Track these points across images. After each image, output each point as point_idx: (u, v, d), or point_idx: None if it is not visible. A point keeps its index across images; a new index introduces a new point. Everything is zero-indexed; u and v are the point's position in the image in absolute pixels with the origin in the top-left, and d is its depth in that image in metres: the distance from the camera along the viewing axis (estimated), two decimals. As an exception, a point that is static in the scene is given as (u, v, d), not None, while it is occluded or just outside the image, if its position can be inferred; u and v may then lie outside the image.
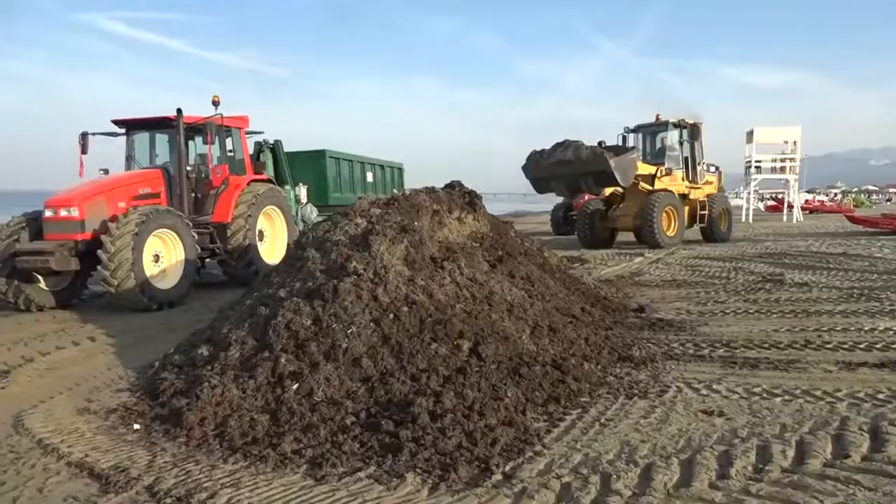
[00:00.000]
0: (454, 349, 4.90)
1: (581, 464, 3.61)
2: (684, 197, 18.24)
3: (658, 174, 17.71)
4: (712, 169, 20.04)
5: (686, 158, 18.49)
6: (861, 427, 4.00)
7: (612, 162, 15.33)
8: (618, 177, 15.61)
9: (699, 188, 18.69)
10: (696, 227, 18.85)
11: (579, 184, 16.56)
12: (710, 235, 18.83)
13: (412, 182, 20.31)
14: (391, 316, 5.11)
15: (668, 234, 17.15)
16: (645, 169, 17.49)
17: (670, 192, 17.62)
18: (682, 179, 18.24)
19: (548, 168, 16.51)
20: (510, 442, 3.87)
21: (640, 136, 19.34)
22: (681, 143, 18.52)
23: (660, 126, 18.88)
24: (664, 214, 17.13)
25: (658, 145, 19.15)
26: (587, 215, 18.45)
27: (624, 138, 18.91)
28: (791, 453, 3.65)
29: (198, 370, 5.12)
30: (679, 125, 18.49)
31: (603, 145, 16.19)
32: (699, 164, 18.73)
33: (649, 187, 17.46)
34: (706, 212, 18.52)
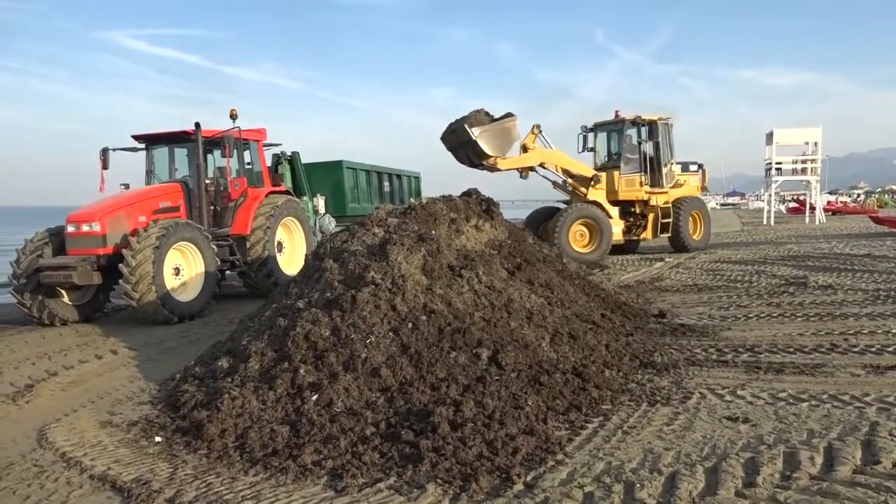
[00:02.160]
0: (473, 358, 4.87)
1: (604, 472, 3.56)
2: (645, 203, 16.44)
3: (593, 181, 15.97)
4: (693, 167, 17.89)
5: (647, 159, 16.50)
6: (891, 432, 3.91)
7: (474, 131, 14.18)
8: (485, 147, 14.32)
9: (664, 192, 16.58)
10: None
11: (466, 155, 15.10)
12: (677, 245, 16.75)
13: (429, 190, 20.31)
14: (410, 325, 5.09)
15: (582, 250, 15.15)
16: (580, 170, 16.09)
17: (594, 202, 15.73)
18: (641, 184, 16.29)
19: (447, 139, 15.26)
20: (531, 451, 3.83)
21: (600, 135, 17.48)
22: (639, 143, 16.43)
23: (616, 124, 16.94)
24: (582, 228, 15.32)
25: (616, 145, 17.26)
26: (535, 226, 16.34)
27: (584, 138, 17.33)
28: (819, 460, 3.57)
29: (218, 382, 5.14)
30: (636, 122, 16.39)
31: (482, 113, 14.77)
32: (666, 165, 16.59)
33: (584, 191, 15.95)
34: (669, 219, 16.38)
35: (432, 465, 3.68)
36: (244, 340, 5.69)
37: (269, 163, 13.59)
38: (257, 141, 12.01)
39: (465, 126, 14.31)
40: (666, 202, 16.56)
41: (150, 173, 11.42)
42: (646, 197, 16.43)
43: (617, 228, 15.95)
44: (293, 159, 15.20)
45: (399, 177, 18.88)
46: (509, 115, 14.94)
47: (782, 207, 46.37)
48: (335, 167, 15.93)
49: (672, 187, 16.81)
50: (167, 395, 5.55)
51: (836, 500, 3.10)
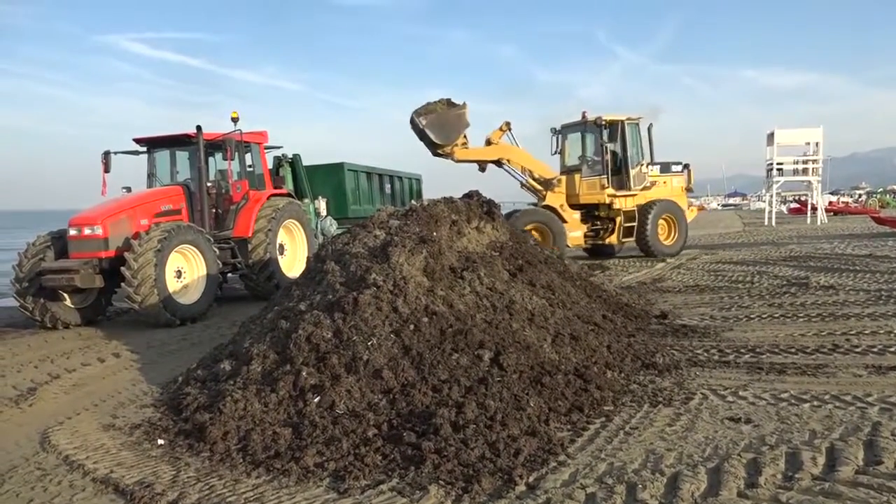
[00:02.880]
0: (475, 359, 4.88)
1: (606, 473, 3.56)
2: (609, 206, 15.87)
3: (553, 184, 15.52)
4: (676, 168, 17.10)
5: (615, 161, 15.99)
6: (894, 432, 3.91)
7: (421, 120, 14.07)
8: (431, 135, 14.11)
9: (632, 195, 15.91)
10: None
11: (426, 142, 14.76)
12: (644, 250, 16.09)
13: (430, 192, 20.31)
14: (411, 327, 5.10)
15: None
16: (542, 172, 15.67)
17: (547, 207, 15.18)
18: (603, 187, 15.66)
19: (412, 128, 14.84)
20: (533, 452, 3.83)
21: (567, 137, 16.94)
22: (601, 145, 15.86)
23: (581, 126, 16.52)
24: (535, 234, 14.15)
25: (580, 147, 16.86)
26: None
27: (555, 140, 16.87)
28: (822, 460, 3.57)
29: (220, 385, 5.14)
30: (597, 124, 15.74)
31: (442, 102, 14.47)
32: (635, 167, 15.97)
33: (545, 193, 15.56)
34: (634, 223, 15.80)
35: (434, 466, 3.68)
36: (246, 343, 5.69)
37: (270, 165, 13.61)
38: (258, 143, 12.03)
39: (413, 115, 14.25)
40: (638, 205, 15.92)
41: (151, 176, 11.44)
42: (608, 200, 15.77)
43: (577, 233, 15.51)
44: (294, 162, 15.22)
45: (400, 179, 18.89)
46: (463, 104, 14.64)
47: (784, 208, 46.32)
48: (336, 169, 15.95)
49: (643, 189, 16.10)
50: (169, 397, 5.55)
51: (838, 500, 3.10)
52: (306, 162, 15.54)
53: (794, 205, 46.88)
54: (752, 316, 7.88)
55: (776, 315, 7.83)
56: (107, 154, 11.02)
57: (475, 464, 3.67)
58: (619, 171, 15.95)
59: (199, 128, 10.57)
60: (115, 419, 5.12)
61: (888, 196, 68.47)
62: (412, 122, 14.44)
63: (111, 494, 3.74)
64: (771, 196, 32.79)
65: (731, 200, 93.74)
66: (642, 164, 16.17)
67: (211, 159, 11.52)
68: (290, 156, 15.21)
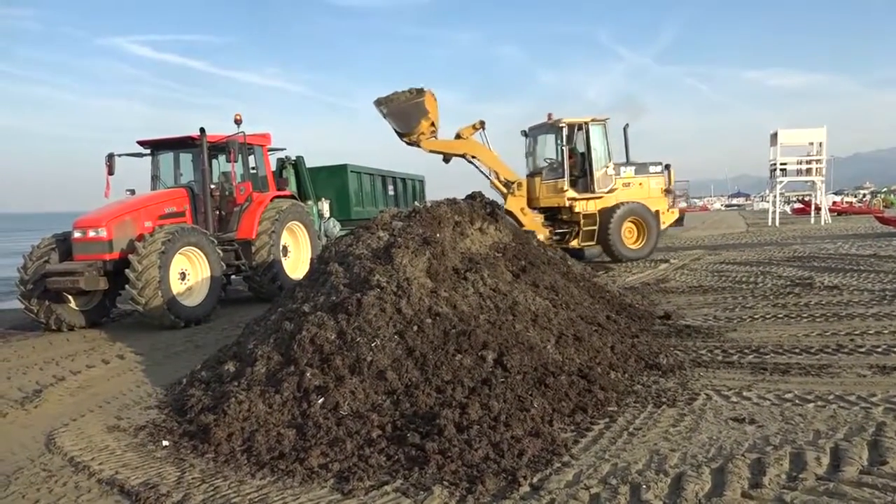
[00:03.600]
0: (479, 360, 4.88)
1: (610, 474, 3.56)
2: (571, 210, 15.57)
3: (513, 187, 15.31)
4: (655, 168, 16.61)
5: (580, 163, 15.72)
6: (898, 432, 3.90)
7: (383, 109, 14.18)
8: (393, 124, 14.32)
9: (596, 197, 15.55)
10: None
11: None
12: (609, 253, 15.71)
13: (433, 194, 20.32)
14: (415, 328, 5.10)
15: None
16: (506, 174, 15.54)
17: (506, 211, 14.29)
18: (562, 190, 15.37)
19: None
20: (537, 453, 3.84)
21: (533, 139, 16.71)
22: (561, 148, 15.62)
23: (543, 128, 16.30)
24: None
25: (544, 150, 16.57)
26: None
27: (528, 142, 16.81)
28: (826, 460, 3.57)
29: (225, 386, 5.16)
30: (558, 126, 15.56)
31: (409, 91, 14.42)
32: (600, 170, 15.57)
33: (505, 194, 15.34)
34: (594, 227, 15.41)
35: (438, 467, 3.68)
36: (250, 344, 5.71)
37: (273, 167, 13.64)
38: (262, 145, 12.05)
39: (375, 103, 14.27)
40: (602, 208, 15.56)
41: (155, 178, 11.48)
42: (568, 203, 15.46)
43: (539, 237, 15.40)
44: (298, 163, 15.24)
45: (403, 180, 18.91)
46: (421, 90, 14.49)
47: (787, 208, 46.24)
48: (340, 171, 15.98)
49: (609, 192, 15.73)
50: (174, 399, 5.57)
51: (842, 500, 3.10)
52: (309, 164, 15.57)
53: (797, 205, 46.81)
54: (755, 316, 7.86)
55: (780, 315, 7.82)
56: (111, 156, 11.05)
57: (479, 464, 3.68)
58: (583, 174, 15.65)
59: (202, 130, 10.60)
60: (119, 421, 5.13)
61: (892, 196, 68.26)
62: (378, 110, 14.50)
63: (116, 495, 3.76)
64: (774, 196, 32.74)
65: (734, 201, 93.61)
66: (608, 166, 15.80)
67: (214, 161, 11.56)
68: (294, 157, 15.23)
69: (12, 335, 9.48)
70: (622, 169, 16.18)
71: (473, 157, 15.52)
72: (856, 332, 6.70)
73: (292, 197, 12.63)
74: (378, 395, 4.60)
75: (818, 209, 31.23)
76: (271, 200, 11.58)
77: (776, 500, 3.15)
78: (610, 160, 15.91)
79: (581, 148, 15.76)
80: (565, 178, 15.44)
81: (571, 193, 15.45)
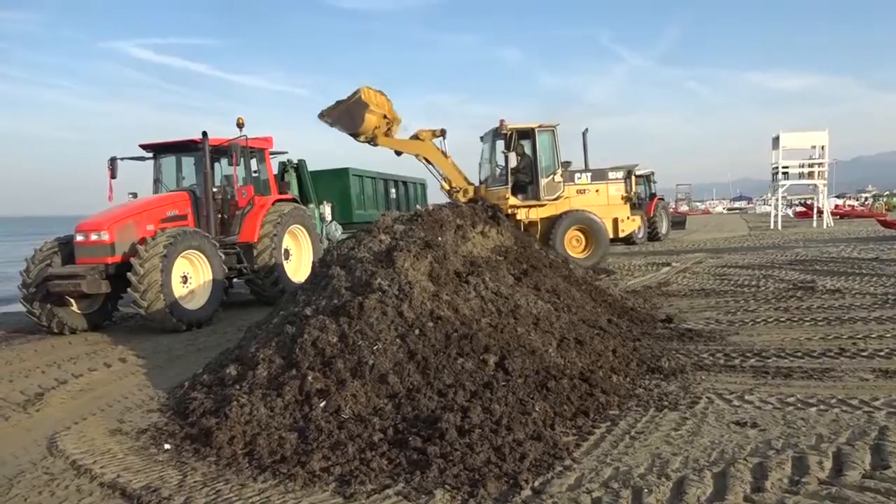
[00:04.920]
0: (480, 364, 4.88)
1: (612, 478, 3.56)
2: (513, 218, 14.77)
3: (456, 195, 15.04)
4: (615, 175, 16.21)
5: (522, 170, 15.41)
6: (901, 436, 3.89)
7: (328, 120, 14.25)
8: (342, 128, 14.27)
9: (540, 205, 15.27)
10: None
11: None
12: None
13: (435, 197, 20.32)
14: (417, 332, 5.11)
15: None
16: (457, 181, 15.39)
17: None
18: (504, 198, 14.95)
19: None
20: (539, 456, 3.83)
21: (484, 146, 16.36)
22: (505, 155, 15.33)
23: (492, 135, 15.92)
24: None
25: (495, 157, 16.21)
26: None
27: (485, 149, 16.42)
28: (828, 465, 3.56)
29: (226, 389, 5.16)
30: (501, 134, 15.30)
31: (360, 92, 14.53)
32: (547, 177, 15.26)
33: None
34: (536, 236, 14.62)
35: (440, 470, 3.68)
36: (252, 348, 5.71)
37: (275, 171, 13.66)
38: (264, 149, 12.06)
39: (319, 117, 14.32)
40: (545, 216, 15.26)
41: (157, 182, 11.49)
42: (511, 211, 14.88)
43: None
44: (300, 167, 15.27)
45: (405, 183, 18.94)
46: (357, 91, 14.41)
47: (789, 211, 46.18)
48: (341, 174, 16.00)
49: (556, 199, 15.46)
50: (176, 402, 5.57)
51: (845, 504, 3.09)
52: (311, 167, 15.59)
53: (800, 208, 46.77)
54: (757, 320, 7.86)
55: (782, 319, 7.81)
56: (113, 160, 11.08)
57: (481, 468, 3.67)
58: (529, 182, 15.38)
59: (204, 133, 10.62)
60: (121, 424, 5.13)
61: (895, 199, 68.16)
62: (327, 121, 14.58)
63: (118, 499, 3.76)
64: (777, 200, 32.71)
65: (736, 204, 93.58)
66: (556, 174, 15.52)
67: (217, 165, 11.58)
68: (296, 161, 15.26)
69: (15, 338, 9.50)
70: (578, 175, 15.89)
71: (427, 159, 15.52)
72: (858, 336, 6.69)
73: (294, 200, 12.64)
74: (380, 399, 4.60)
75: (820, 212, 31.21)
76: (273, 204, 11.59)
77: (778, 504, 3.15)
78: (558, 167, 15.62)
79: (538, 154, 15.48)
80: (507, 186, 15.19)
81: (513, 201, 15.14)
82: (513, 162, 15.37)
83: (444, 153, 15.58)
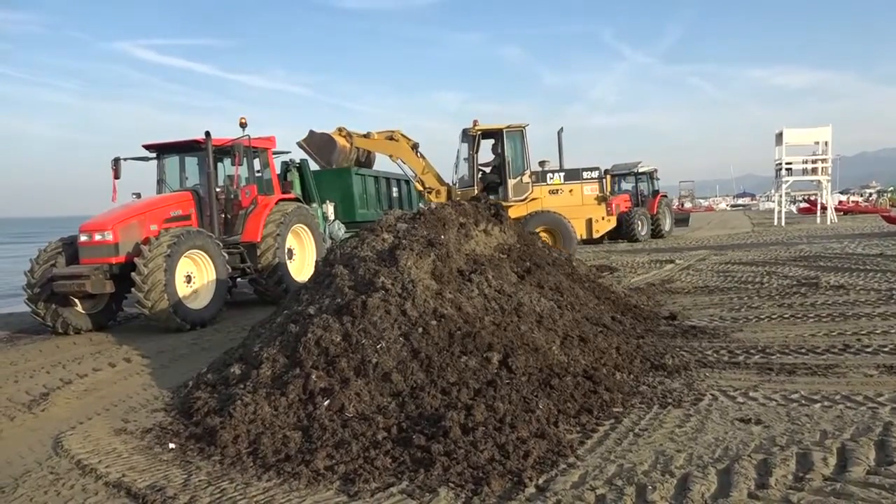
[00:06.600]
0: (484, 362, 4.88)
1: (616, 475, 3.56)
2: None
3: (428, 194, 15.34)
4: (589, 175, 16.24)
5: (487, 172, 15.59)
6: (905, 432, 3.89)
7: (302, 142, 14.99)
8: (318, 159, 15.10)
9: (509, 205, 14.80)
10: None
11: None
12: None
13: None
14: (420, 330, 5.11)
15: None
16: (429, 182, 15.68)
17: None
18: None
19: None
20: (543, 454, 3.83)
21: (461, 146, 16.27)
22: (471, 155, 15.53)
23: (463, 136, 16.02)
24: None
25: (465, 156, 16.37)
26: None
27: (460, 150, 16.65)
28: (833, 461, 3.55)
29: (231, 389, 5.17)
30: (467, 134, 15.50)
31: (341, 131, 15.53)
32: (515, 178, 15.42)
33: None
34: None
35: (444, 468, 3.69)
36: (256, 347, 5.72)
37: (278, 170, 13.67)
38: (267, 149, 12.07)
39: (297, 144, 15.31)
40: (517, 216, 14.84)
41: (161, 182, 11.51)
42: None
43: None
44: (302, 166, 15.27)
45: (408, 182, 18.92)
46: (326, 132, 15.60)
47: (793, 208, 46.08)
48: (344, 174, 16.00)
49: (523, 200, 15.44)
50: (180, 402, 5.58)
51: (849, 501, 3.09)
52: (314, 166, 15.60)
53: (803, 204, 46.67)
54: (761, 316, 7.84)
55: (786, 315, 7.80)
56: (117, 160, 11.09)
57: (485, 466, 3.68)
58: (498, 182, 15.49)
59: (207, 133, 10.63)
60: (126, 423, 5.15)
61: (899, 195, 67.88)
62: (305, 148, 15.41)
63: (123, 498, 3.77)
64: (780, 196, 32.64)
65: (740, 201, 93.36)
66: (524, 174, 15.54)
67: (220, 165, 11.59)
68: (298, 161, 15.27)
69: (19, 339, 9.53)
70: (550, 175, 15.86)
71: (399, 159, 15.94)
72: (862, 332, 6.67)
73: (297, 200, 12.66)
74: (383, 397, 4.60)
75: (824, 208, 31.13)
76: (276, 203, 11.60)
77: (783, 500, 3.14)
78: (528, 167, 15.61)
79: (506, 155, 15.65)
80: (474, 187, 15.22)
81: None
82: (481, 161, 15.62)
83: (419, 154, 16.01)
